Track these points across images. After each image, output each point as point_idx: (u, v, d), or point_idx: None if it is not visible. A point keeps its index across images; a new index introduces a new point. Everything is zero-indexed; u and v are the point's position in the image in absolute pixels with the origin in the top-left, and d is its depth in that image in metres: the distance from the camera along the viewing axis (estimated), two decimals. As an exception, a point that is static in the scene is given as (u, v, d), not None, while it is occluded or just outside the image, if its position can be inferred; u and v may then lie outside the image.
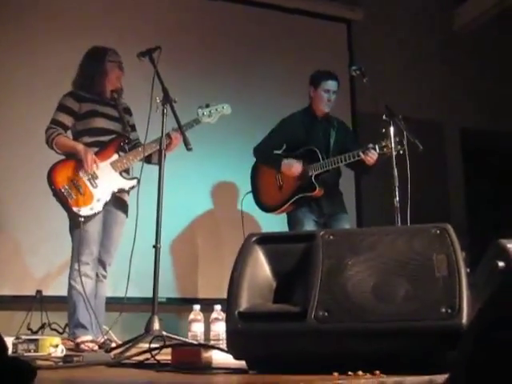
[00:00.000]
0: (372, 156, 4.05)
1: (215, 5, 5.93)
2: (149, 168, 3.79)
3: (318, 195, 4.28)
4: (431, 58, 6.64)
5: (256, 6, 6.11)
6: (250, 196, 4.54)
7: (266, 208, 4.45)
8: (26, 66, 5.10)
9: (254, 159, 4.55)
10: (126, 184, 3.78)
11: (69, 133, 3.85)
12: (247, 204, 4.62)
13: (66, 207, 3.61)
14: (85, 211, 3.61)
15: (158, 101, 3.35)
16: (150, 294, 3.19)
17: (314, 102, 4.46)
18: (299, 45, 6.13)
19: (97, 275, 3.79)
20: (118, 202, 3.82)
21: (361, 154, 4.07)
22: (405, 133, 3.75)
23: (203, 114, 3.81)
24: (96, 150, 3.73)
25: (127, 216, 3.90)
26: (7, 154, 4.91)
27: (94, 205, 3.64)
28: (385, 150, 3.97)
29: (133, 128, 4.02)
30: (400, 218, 3.62)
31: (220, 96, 3.93)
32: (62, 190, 3.60)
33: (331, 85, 4.39)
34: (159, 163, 3.36)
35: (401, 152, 3.80)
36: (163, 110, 3.34)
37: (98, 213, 3.66)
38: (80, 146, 3.69)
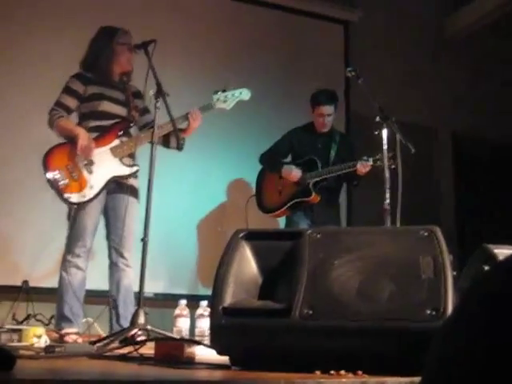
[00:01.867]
0: (365, 166, 4.19)
1: (210, 2, 5.92)
2: (168, 152, 3.72)
3: (313, 201, 4.45)
4: (426, 61, 6.65)
5: (250, 3, 6.10)
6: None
7: (265, 209, 4.68)
8: (34, 48, 5.06)
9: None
10: (125, 171, 3.65)
11: (74, 116, 3.76)
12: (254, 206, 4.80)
13: (57, 193, 3.49)
14: (76, 198, 3.49)
15: (152, 94, 3.32)
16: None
17: (314, 120, 4.64)
18: (296, 45, 6.14)
19: (116, 265, 3.67)
20: (123, 187, 3.68)
21: (358, 164, 4.20)
22: (397, 135, 3.76)
23: (218, 99, 3.71)
24: (96, 134, 3.63)
25: (138, 200, 3.74)
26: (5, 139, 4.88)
27: (86, 192, 3.50)
28: (378, 162, 4.06)
29: (145, 111, 3.86)
30: (390, 221, 3.62)
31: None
32: (55, 175, 3.49)
33: (325, 109, 4.53)
34: (150, 155, 3.26)
35: (392, 167, 3.85)
36: (155, 104, 3.31)
37: (90, 200, 3.52)
38: (78, 130, 3.58)
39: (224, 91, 3.73)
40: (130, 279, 3.70)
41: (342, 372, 1.78)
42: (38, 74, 4.95)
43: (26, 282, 4.58)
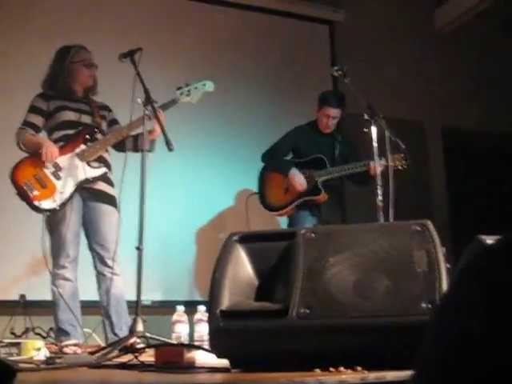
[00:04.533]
0: (377, 166, 4.02)
1: (196, 6, 5.93)
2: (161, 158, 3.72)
3: (321, 200, 4.40)
4: (413, 58, 6.68)
5: (238, 7, 6.11)
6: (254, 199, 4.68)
7: (270, 207, 4.58)
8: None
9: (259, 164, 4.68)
10: (92, 173, 3.64)
11: (43, 133, 3.79)
12: (254, 208, 4.74)
13: (28, 202, 3.50)
14: (47, 204, 3.50)
15: (140, 102, 3.33)
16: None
17: (318, 119, 4.59)
18: (282, 46, 6.14)
19: (102, 274, 3.66)
20: (98, 194, 3.70)
21: (370, 163, 4.12)
22: (386, 132, 3.77)
23: (181, 93, 3.67)
24: (62, 143, 3.65)
25: (116, 207, 3.73)
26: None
27: (56, 197, 3.51)
28: (390, 162, 4.00)
29: (113, 122, 3.90)
30: (383, 217, 3.64)
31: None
32: (23, 186, 3.51)
33: (333, 112, 4.48)
34: (141, 160, 3.29)
35: (405, 167, 3.95)
36: (144, 111, 3.32)
37: (63, 206, 3.53)
38: (43, 141, 3.63)
39: (187, 85, 3.69)
40: (119, 288, 3.69)
41: (342, 369, 1.79)
42: (4, 97, 4.95)
43: (23, 295, 4.56)
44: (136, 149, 3.79)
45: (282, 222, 4.93)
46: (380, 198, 3.71)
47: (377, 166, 3.99)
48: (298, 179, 4.40)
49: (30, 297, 4.59)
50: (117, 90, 4.09)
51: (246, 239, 2.17)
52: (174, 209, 5.30)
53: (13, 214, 4.46)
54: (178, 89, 3.67)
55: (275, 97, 5.86)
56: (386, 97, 5.86)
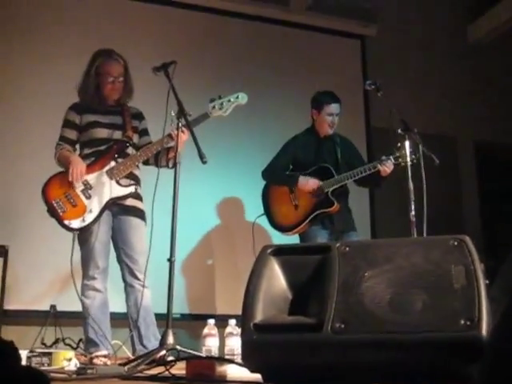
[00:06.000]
0: (389, 166, 4.02)
1: (227, 21, 5.99)
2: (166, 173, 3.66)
3: (334, 211, 4.24)
4: (445, 71, 6.63)
5: (271, 22, 6.15)
6: (262, 219, 4.45)
7: (281, 228, 4.34)
8: (36, 76, 5.17)
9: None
10: (121, 192, 3.65)
11: (78, 146, 3.82)
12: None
13: (58, 220, 3.54)
14: (76, 223, 3.53)
15: (173, 114, 3.33)
16: (161, 310, 3.17)
17: (317, 123, 4.45)
18: (314, 61, 6.15)
19: (131, 286, 3.66)
20: (127, 208, 3.71)
21: (378, 165, 4.03)
22: (420, 146, 3.73)
23: (213, 107, 3.61)
24: (91, 160, 3.66)
25: (144, 221, 3.76)
26: (22, 166, 4.96)
27: (85, 216, 3.54)
28: (400, 159, 3.94)
29: (144, 132, 3.89)
30: (416, 232, 3.59)
31: (232, 111, 3.82)
32: (54, 204, 3.54)
33: (334, 108, 4.37)
34: (174, 172, 3.28)
35: (414, 161, 3.81)
36: (178, 124, 3.33)
37: (92, 223, 3.55)
38: (72, 158, 3.64)
39: (220, 98, 3.64)
40: (148, 299, 3.69)
41: (377, 385, 1.76)
42: (42, 102, 5.06)
43: (53, 306, 4.60)
44: (157, 164, 3.79)
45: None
46: (413, 212, 3.66)
47: (388, 165, 3.98)
48: (310, 182, 4.25)
49: (61, 307, 4.63)
50: (149, 96, 4.11)
51: (280, 252, 2.14)
52: (202, 222, 5.30)
53: (45, 227, 4.51)
54: (211, 101, 3.62)
55: (305, 111, 5.84)
56: (418, 111, 5.82)
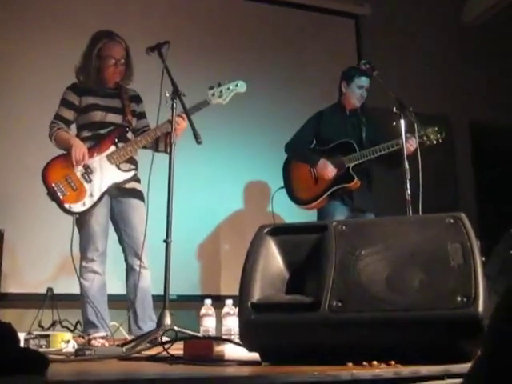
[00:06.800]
0: (412, 144, 3.92)
1: (221, 1, 5.94)
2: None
3: (354, 187, 4.21)
4: (440, 51, 6.60)
5: (264, 2, 6.11)
6: (281, 193, 4.47)
7: (300, 201, 4.36)
8: (33, 57, 5.12)
9: (285, 156, 4.51)
10: (122, 177, 3.66)
11: (73, 127, 3.80)
12: (278, 202, 4.55)
13: (58, 204, 3.54)
14: (76, 207, 3.53)
15: (168, 95, 3.31)
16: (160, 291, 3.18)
17: (345, 97, 4.44)
18: (308, 40, 6.12)
19: (132, 267, 3.67)
20: (126, 191, 3.71)
21: (400, 142, 3.88)
22: (416, 125, 3.73)
23: (213, 94, 3.64)
24: (92, 143, 3.65)
25: (144, 201, 3.71)
26: (18, 150, 4.94)
27: (86, 200, 3.54)
28: (424, 138, 3.93)
29: (141, 116, 3.88)
30: (412, 211, 3.60)
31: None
32: (54, 187, 3.54)
33: (364, 81, 4.35)
34: (169, 154, 3.29)
35: (440, 141, 3.83)
36: (172, 105, 3.31)
37: (92, 207, 3.56)
38: (73, 140, 3.62)
39: (219, 85, 3.66)
40: (147, 281, 3.70)
41: (375, 363, 1.77)
42: (38, 85, 5.01)
43: (50, 289, 4.59)
44: (157, 149, 3.81)
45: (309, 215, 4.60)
46: (408, 191, 3.66)
47: (412, 143, 3.89)
48: (328, 168, 4.22)
49: (58, 290, 4.63)
50: (146, 79, 4.08)
51: (277, 232, 2.14)
52: (198, 203, 5.30)
53: (42, 211, 4.50)
54: (210, 88, 3.64)
55: (300, 92, 5.83)
56: (412, 90, 5.79)
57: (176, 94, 3.29)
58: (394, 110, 3.77)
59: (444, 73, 6.57)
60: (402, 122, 3.77)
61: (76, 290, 3.72)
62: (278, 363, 1.92)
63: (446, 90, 6.52)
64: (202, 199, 5.32)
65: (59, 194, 3.53)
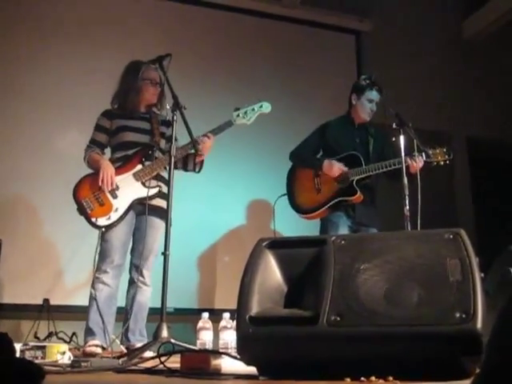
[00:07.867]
0: (418, 163, 3.90)
1: (225, 16, 5.98)
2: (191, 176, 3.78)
3: (357, 201, 4.15)
4: (439, 68, 6.64)
5: (265, 17, 6.15)
6: (283, 211, 4.45)
7: (301, 210, 4.29)
8: (36, 74, 5.16)
9: (288, 168, 4.47)
10: (144, 192, 3.72)
11: (108, 150, 3.94)
12: (281, 219, 4.51)
13: (86, 218, 3.65)
14: (102, 221, 3.64)
15: (168, 107, 3.37)
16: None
17: (355, 109, 4.38)
18: (308, 56, 6.15)
19: (133, 281, 3.74)
20: (152, 208, 3.74)
21: (408, 160, 3.88)
22: (415, 141, 3.73)
23: (238, 115, 3.75)
24: (120, 163, 3.77)
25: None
26: (17, 160, 4.94)
27: (111, 214, 3.66)
28: (432, 157, 3.91)
29: (171, 138, 3.81)
30: (410, 227, 3.59)
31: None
32: (83, 203, 3.66)
33: (375, 95, 4.31)
34: (169, 166, 3.36)
35: (447, 162, 3.84)
36: (173, 117, 3.34)
37: (117, 222, 3.66)
38: (102, 161, 3.75)
39: (244, 107, 3.78)
40: (145, 297, 3.76)
41: (373, 378, 1.76)
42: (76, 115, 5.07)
43: (47, 300, 4.59)
44: (186, 169, 3.95)
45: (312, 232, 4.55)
46: (407, 207, 3.65)
47: (419, 162, 3.87)
48: (335, 166, 4.16)
49: (54, 301, 4.62)
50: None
51: (275, 245, 2.14)
52: (200, 218, 5.30)
53: (38, 221, 4.51)
54: (236, 110, 3.77)
55: (301, 107, 5.85)
56: (411, 106, 5.81)
57: (176, 106, 3.32)
58: (394, 125, 3.78)
59: (444, 88, 6.60)
60: (402, 137, 3.77)
61: (72, 302, 3.72)
62: (276, 377, 1.91)
63: (445, 105, 6.55)
64: (204, 214, 5.33)
65: (87, 209, 3.66)
